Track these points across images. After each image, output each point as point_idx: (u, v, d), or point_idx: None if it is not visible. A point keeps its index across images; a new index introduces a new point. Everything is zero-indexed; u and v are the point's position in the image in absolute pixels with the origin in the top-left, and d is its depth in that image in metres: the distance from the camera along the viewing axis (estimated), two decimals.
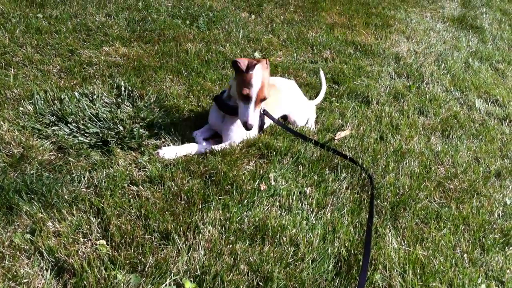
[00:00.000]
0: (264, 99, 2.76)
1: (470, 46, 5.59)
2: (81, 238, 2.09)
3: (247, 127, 2.71)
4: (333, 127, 3.35)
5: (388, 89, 4.15)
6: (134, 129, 2.85)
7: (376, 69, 4.55)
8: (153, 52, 4.02)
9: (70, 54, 3.83)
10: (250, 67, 2.63)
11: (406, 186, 2.79)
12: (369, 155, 3.05)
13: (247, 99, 2.67)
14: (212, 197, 2.40)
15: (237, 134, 2.92)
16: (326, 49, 4.78)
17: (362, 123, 3.49)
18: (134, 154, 2.73)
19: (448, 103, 4.05)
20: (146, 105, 3.18)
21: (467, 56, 5.27)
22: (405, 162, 3.04)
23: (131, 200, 2.34)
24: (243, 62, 2.65)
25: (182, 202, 2.38)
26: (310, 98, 3.70)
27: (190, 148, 2.79)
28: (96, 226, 2.15)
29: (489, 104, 4.23)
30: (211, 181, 2.54)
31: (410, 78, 4.48)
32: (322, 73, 3.94)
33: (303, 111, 3.39)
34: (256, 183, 2.57)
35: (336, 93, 3.92)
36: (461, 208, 2.71)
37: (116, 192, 2.36)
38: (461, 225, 2.56)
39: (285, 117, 3.37)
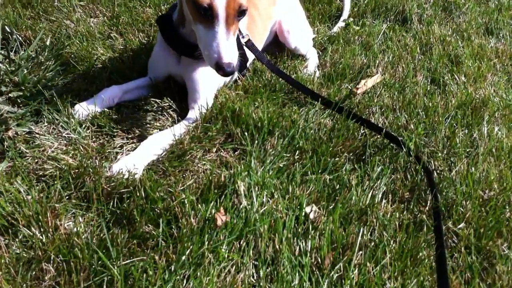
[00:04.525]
0: (242, 11, 1.48)
1: None
2: None
3: (224, 70, 1.42)
4: (353, 70, 2.01)
5: None
6: None
7: None
8: None
9: None
10: None
11: (493, 183, 1.51)
12: (419, 120, 1.74)
13: (210, 17, 1.43)
14: (110, 261, 1.15)
15: (209, 87, 1.71)
16: None
17: (399, 58, 2.14)
18: None
19: None
20: (32, 56, 1.86)
21: None
22: (482, 127, 1.74)
23: None
24: None
25: None
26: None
27: (154, 147, 1.50)
28: None
29: None
30: (118, 217, 1.29)
31: None
32: None
33: (304, 30, 2.16)
34: (209, 210, 1.30)
35: (355, 9, 2.52)
36: None
37: None
38: None
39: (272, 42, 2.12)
